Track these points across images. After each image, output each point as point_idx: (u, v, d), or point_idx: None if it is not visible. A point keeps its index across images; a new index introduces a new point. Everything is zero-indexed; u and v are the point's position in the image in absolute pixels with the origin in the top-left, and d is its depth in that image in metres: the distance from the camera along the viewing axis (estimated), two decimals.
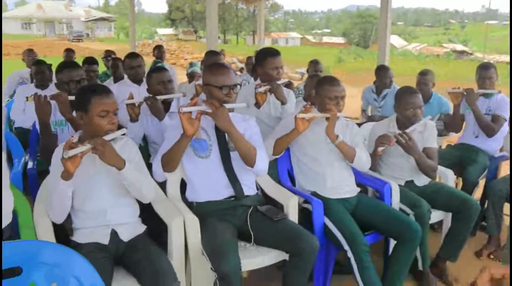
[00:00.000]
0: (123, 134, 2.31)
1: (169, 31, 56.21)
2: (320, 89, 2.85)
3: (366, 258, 2.52)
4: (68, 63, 3.13)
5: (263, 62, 3.32)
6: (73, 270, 1.69)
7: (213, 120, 2.40)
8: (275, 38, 58.98)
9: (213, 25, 4.33)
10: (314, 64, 5.36)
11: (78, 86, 2.98)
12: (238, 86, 2.56)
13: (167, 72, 3.27)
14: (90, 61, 5.38)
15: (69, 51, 6.94)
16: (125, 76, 5.26)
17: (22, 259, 1.67)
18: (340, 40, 63.49)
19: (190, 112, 2.35)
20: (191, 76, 5.32)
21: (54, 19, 55.39)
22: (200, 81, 3.93)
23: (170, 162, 2.48)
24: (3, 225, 2.06)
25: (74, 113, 2.82)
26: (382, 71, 5.15)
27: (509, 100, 3.82)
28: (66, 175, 2.07)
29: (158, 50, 7.05)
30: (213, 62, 3.89)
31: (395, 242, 2.78)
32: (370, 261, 2.54)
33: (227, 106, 2.43)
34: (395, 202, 2.99)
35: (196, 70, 5.44)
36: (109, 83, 5.46)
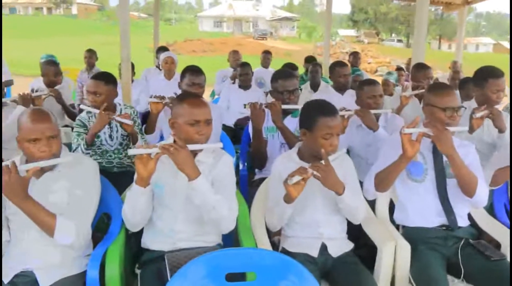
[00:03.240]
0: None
1: (351, 32, 55.86)
2: None
3: None
4: (283, 74, 3.21)
5: (483, 83, 3.05)
6: None
7: (435, 143, 2.28)
8: (464, 43, 54.72)
9: (422, 32, 3.96)
10: None
11: (291, 95, 3.08)
12: (463, 109, 2.40)
13: (379, 86, 3.22)
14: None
15: (266, 53, 7.17)
16: (322, 83, 5.39)
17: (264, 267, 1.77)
18: None
19: (411, 133, 2.27)
20: (387, 85, 5.21)
21: (242, 18, 59.19)
22: (406, 93, 3.83)
23: (384, 182, 2.43)
24: (229, 229, 2.17)
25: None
26: None
27: None
28: (289, 199, 2.13)
29: (354, 57, 6.92)
30: (423, 76, 3.74)
31: None
32: None
33: (450, 129, 2.29)
34: None
35: (393, 79, 5.30)
36: (305, 87, 5.64)
